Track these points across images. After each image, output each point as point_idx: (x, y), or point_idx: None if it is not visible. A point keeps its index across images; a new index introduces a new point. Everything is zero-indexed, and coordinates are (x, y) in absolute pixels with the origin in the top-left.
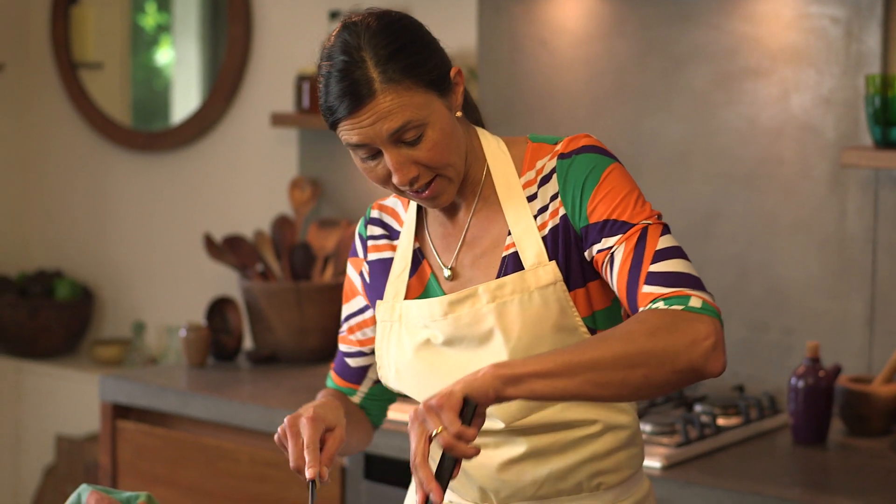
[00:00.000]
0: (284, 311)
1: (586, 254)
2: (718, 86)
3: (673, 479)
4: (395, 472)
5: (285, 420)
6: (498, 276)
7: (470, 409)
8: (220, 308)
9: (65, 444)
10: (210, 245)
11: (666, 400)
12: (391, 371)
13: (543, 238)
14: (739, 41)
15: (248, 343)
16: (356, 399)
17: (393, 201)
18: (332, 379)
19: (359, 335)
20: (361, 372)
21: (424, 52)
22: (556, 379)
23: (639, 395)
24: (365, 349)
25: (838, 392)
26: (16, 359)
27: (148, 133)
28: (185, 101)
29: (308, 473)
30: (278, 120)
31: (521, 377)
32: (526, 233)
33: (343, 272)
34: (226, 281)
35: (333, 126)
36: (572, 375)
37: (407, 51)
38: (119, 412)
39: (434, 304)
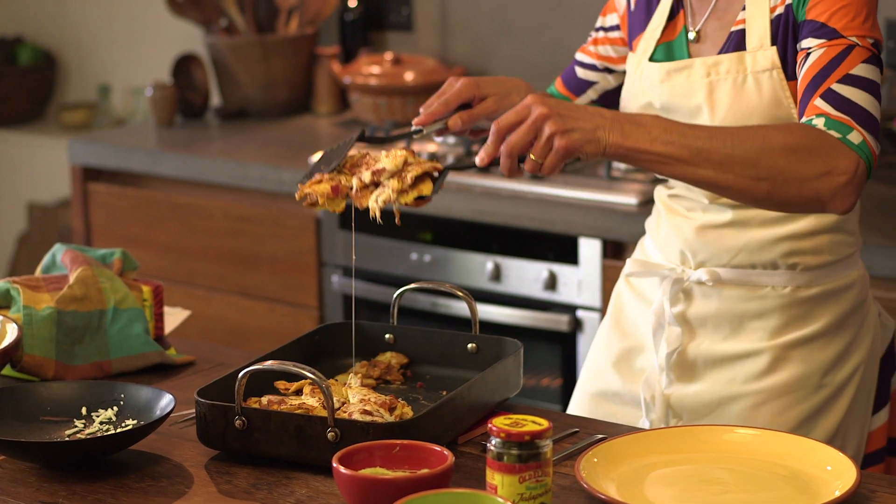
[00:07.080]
0: (251, 65)
1: (798, 46)
2: None
3: None
4: (371, 221)
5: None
6: (720, 52)
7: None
8: (185, 65)
9: (37, 211)
10: (171, 1)
11: None
12: None
13: (773, 21)
14: None
15: (215, 100)
16: None
17: None
18: (556, 83)
19: (600, 49)
20: (583, 85)
21: None
22: (675, 164)
23: (755, 205)
24: (598, 64)
25: None
26: None
27: None
28: None
29: (414, 120)
30: None
31: (640, 152)
32: (758, 12)
33: (308, 23)
34: (190, 38)
35: None
36: (692, 163)
37: None
38: (90, 175)
39: (654, 70)
